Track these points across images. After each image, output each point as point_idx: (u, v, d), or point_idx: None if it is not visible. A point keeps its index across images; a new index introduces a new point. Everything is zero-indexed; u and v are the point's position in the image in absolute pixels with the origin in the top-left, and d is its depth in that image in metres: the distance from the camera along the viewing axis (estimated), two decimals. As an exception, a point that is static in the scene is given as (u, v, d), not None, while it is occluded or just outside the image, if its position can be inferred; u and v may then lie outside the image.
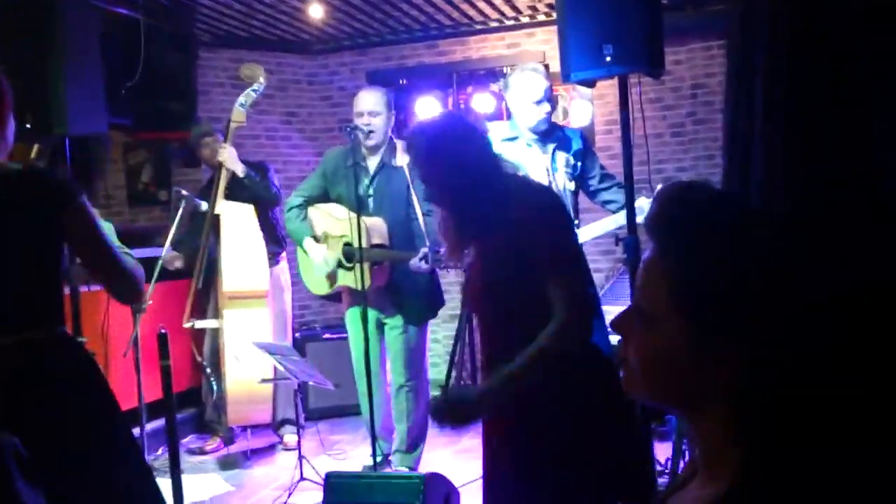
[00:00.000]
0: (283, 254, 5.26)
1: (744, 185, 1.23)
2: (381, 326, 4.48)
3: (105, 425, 2.27)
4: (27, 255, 2.19)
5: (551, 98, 4.09)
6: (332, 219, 4.43)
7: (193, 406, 5.74)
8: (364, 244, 4.15)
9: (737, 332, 0.91)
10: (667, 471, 3.71)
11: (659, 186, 1.22)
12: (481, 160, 2.35)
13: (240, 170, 4.86)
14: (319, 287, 4.56)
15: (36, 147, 2.83)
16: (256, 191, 4.92)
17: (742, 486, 0.90)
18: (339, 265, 4.40)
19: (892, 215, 1.00)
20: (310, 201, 4.51)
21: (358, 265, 4.17)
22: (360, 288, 4.12)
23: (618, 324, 1.02)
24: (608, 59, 3.12)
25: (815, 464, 0.88)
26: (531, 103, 3.99)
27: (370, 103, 4.39)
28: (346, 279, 4.36)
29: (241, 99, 4.92)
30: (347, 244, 4.31)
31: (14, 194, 2.16)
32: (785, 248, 0.93)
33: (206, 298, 5.19)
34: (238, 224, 4.84)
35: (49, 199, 2.18)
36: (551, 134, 4.10)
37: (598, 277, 4.33)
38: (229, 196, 4.90)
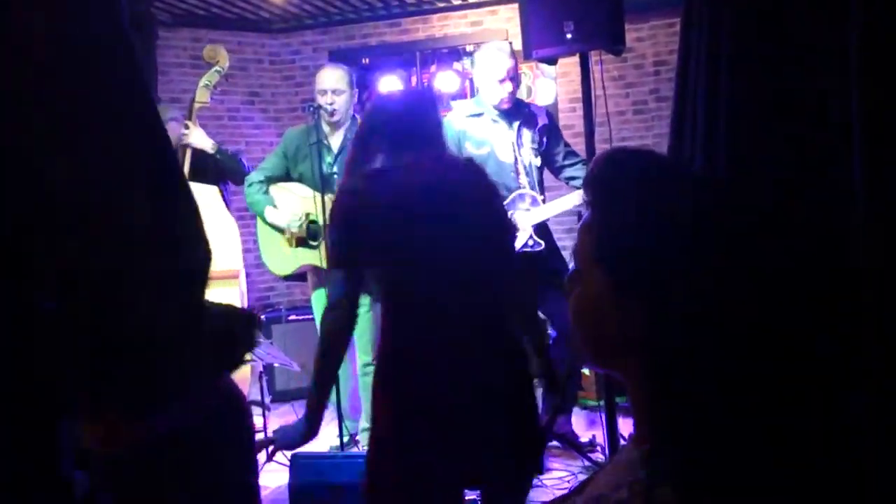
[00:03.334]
0: None
1: (688, 147, 1.24)
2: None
3: None
4: None
5: (515, 77, 4.10)
6: (296, 197, 4.41)
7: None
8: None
9: (646, 287, 0.94)
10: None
11: None
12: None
13: (210, 146, 4.79)
14: (282, 267, 4.54)
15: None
16: (230, 164, 4.86)
17: (658, 446, 0.92)
18: (304, 244, 4.38)
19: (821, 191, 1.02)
20: (270, 180, 4.48)
21: (323, 243, 4.15)
22: (325, 266, 4.10)
23: (564, 286, 1.06)
24: (569, 36, 3.13)
25: (723, 422, 0.91)
26: (494, 81, 4.01)
27: (333, 81, 4.37)
28: (311, 257, 4.34)
29: (205, 80, 4.85)
30: (312, 222, 4.30)
31: None
32: (702, 211, 0.96)
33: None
34: (206, 205, 4.78)
35: None
36: (517, 110, 4.12)
37: (565, 255, 4.37)
38: (193, 178, 4.84)
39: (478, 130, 4.06)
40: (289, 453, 3.70)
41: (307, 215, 4.35)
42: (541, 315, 4.43)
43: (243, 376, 4.82)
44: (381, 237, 2.21)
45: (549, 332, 4.31)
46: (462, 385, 2.16)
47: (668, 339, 0.93)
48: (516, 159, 4.04)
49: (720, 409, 0.91)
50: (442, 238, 2.18)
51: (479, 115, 4.09)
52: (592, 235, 0.99)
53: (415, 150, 2.28)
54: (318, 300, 4.43)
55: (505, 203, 3.95)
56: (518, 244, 3.99)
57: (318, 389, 2.31)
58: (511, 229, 2.41)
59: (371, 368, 4.42)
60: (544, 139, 4.15)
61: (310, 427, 2.32)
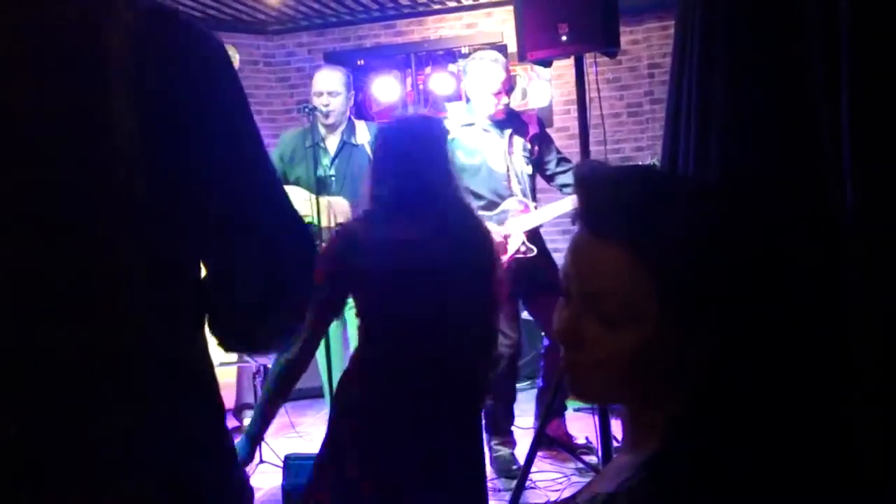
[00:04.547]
0: None
1: (684, 159, 1.25)
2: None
3: None
4: None
5: (510, 89, 4.11)
6: (293, 201, 4.39)
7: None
8: (328, 224, 4.14)
9: (717, 321, 0.90)
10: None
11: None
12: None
13: None
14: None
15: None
16: None
17: (670, 449, 0.91)
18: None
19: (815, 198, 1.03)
20: (266, 184, 4.46)
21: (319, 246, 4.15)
22: (318, 270, 4.10)
23: (567, 331, 0.96)
24: (564, 38, 3.12)
25: (744, 434, 0.91)
26: (489, 94, 4.02)
27: (329, 83, 4.36)
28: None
29: None
30: (309, 224, 4.30)
31: None
32: (762, 240, 0.93)
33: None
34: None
35: None
36: (508, 119, 4.13)
37: (557, 257, 4.37)
38: None
39: (469, 140, 4.07)
40: (282, 456, 3.70)
41: (305, 221, 4.34)
42: (528, 317, 4.45)
43: (227, 381, 4.81)
44: (361, 283, 2.28)
45: (542, 339, 4.31)
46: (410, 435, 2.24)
47: (741, 364, 0.91)
48: (508, 168, 4.05)
49: (759, 424, 0.91)
50: (416, 295, 2.24)
51: (471, 124, 4.10)
52: (651, 280, 0.90)
53: (416, 205, 2.30)
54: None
55: (497, 212, 3.98)
56: (510, 250, 4.00)
57: (264, 421, 2.49)
58: (489, 297, 2.43)
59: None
60: (535, 148, 4.17)
61: (249, 455, 2.45)
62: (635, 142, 6.44)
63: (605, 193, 0.94)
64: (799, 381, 0.96)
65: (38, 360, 0.90)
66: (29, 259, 0.90)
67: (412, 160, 2.33)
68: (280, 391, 2.43)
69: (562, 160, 4.25)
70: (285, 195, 1.17)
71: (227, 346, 1.16)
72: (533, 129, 4.18)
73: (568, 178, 4.19)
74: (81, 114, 0.92)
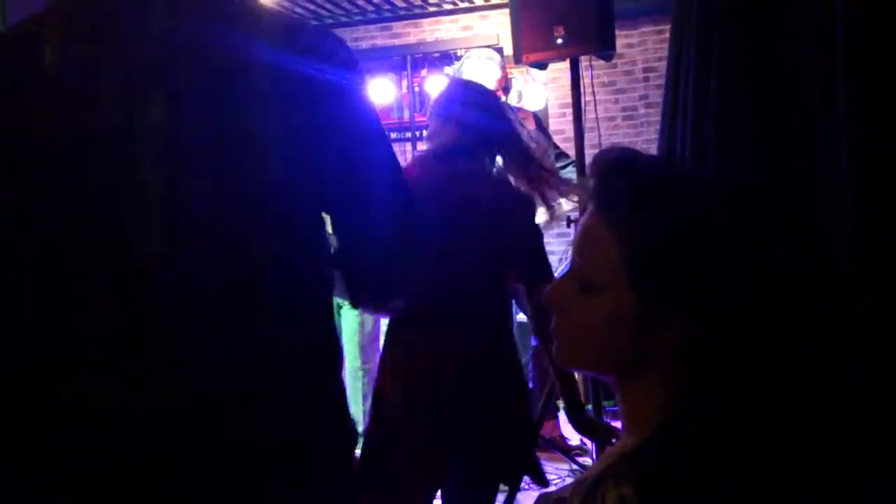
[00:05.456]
0: None
1: (680, 154, 1.26)
2: (338, 309, 4.46)
3: None
4: None
5: (506, 87, 4.10)
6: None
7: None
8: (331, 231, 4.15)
9: (684, 298, 0.93)
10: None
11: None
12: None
13: None
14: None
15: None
16: None
17: (651, 440, 0.93)
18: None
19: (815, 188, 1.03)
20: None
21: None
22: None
23: (552, 296, 1.01)
24: (559, 41, 3.13)
25: (733, 419, 0.92)
26: None
27: None
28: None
29: None
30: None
31: None
32: (729, 216, 0.97)
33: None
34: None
35: None
36: None
37: (551, 259, 4.37)
38: None
39: None
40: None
41: None
42: (522, 318, 4.45)
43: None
44: None
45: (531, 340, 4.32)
46: (448, 379, 2.23)
47: (711, 344, 0.93)
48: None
49: (741, 409, 0.93)
50: (453, 249, 2.24)
51: None
52: (616, 247, 0.95)
53: (460, 159, 2.35)
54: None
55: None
56: None
57: None
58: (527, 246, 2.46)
59: (359, 374, 4.42)
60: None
61: None
62: (630, 145, 6.44)
63: (605, 171, 1.02)
64: (781, 375, 0.97)
65: (195, 317, 1.12)
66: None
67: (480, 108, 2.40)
68: None
69: (560, 155, 4.24)
70: (391, 164, 1.33)
71: (363, 300, 1.43)
72: (529, 126, 4.17)
73: (567, 173, 4.18)
74: (237, 128, 1.14)
